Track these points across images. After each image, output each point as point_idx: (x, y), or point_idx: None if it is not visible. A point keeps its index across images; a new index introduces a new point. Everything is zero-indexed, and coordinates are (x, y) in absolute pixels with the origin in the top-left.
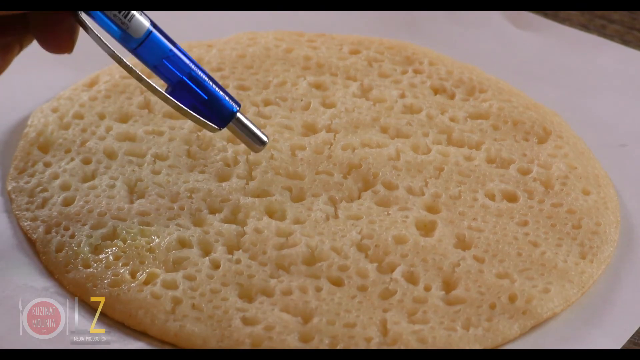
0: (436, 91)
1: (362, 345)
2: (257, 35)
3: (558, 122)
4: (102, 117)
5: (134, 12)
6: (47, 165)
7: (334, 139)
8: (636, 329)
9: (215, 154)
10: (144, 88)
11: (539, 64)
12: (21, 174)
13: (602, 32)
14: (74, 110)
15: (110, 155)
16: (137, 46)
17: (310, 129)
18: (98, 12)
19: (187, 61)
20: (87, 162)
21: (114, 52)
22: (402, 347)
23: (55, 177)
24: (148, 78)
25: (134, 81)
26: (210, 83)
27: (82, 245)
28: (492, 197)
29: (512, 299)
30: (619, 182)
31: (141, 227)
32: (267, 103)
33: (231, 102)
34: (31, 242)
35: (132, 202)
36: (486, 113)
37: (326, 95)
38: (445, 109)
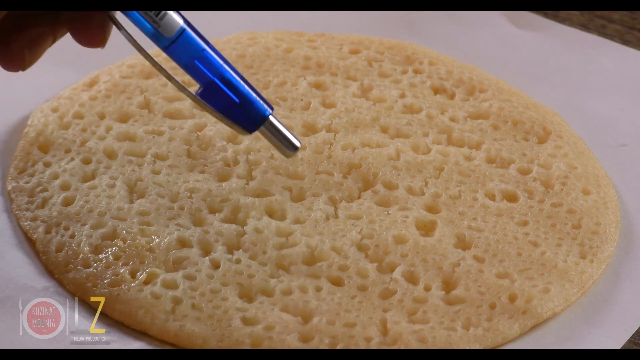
0: (436, 91)
1: (362, 345)
2: (257, 35)
3: (558, 122)
4: (102, 116)
5: (168, 11)
6: (47, 165)
7: (334, 139)
8: (636, 329)
9: (215, 153)
10: (143, 87)
11: (539, 64)
12: (21, 174)
13: (602, 32)
14: (74, 110)
15: (110, 155)
16: (168, 44)
17: (310, 129)
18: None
19: (221, 61)
20: (87, 162)
21: (144, 50)
22: (402, 347)
23: (55, 177)
24: (179, 78)
25: (134, 81)
26: (244, 84)
27: (82, 245)
28: (492, 197)
29: (512, 298)
30: (619, 182)
31: (141, 227)
32: None
33: (264, 105)
34: (31, 242)
35: (132, 202)
36: (486, 113)
37: (326, 95)
38: (445, 108)
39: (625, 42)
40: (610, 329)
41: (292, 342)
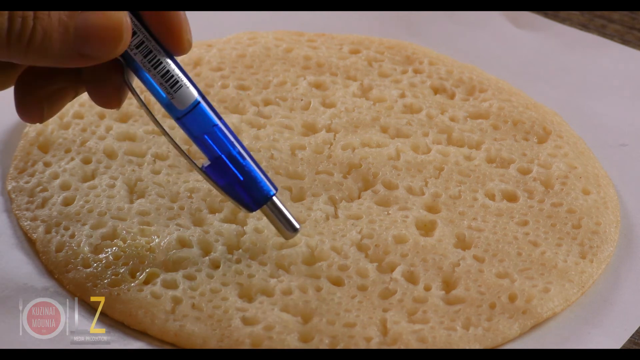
0: (436, 91)
1: (362, 345)
2: (257, 35)
3: (558, 121)
4: (102, 116)
5: (184, 83)
6: (47, 164)
7: (334, 139)
8: (636, 328)
9: None
10: (143, 87)
11: (539, 64)
12: (21, 174)
13: (602, 32)
14: (74, 110)
15: (110, 155)
16: (181, 116)
17: (310, 129)
18: (148, 77)
19: (231, 138)
20: (87, 161)
21: (156, 119)
22: (402, 347)
23: (55, 176)
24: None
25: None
26: (251, 163)
27: (82, 245)
28: (492, 197)
29: (512, 298)
30: (619, 182)
31: (141, 227)
32: (267, 103)
33: (269, 185)
34: (31, 242)
35: (132, 202)
36: (486, 113)
37: (326, 95)
38: (445, 108)
39: (625, 42)
40: (610, 329)
41: (292, 342)
